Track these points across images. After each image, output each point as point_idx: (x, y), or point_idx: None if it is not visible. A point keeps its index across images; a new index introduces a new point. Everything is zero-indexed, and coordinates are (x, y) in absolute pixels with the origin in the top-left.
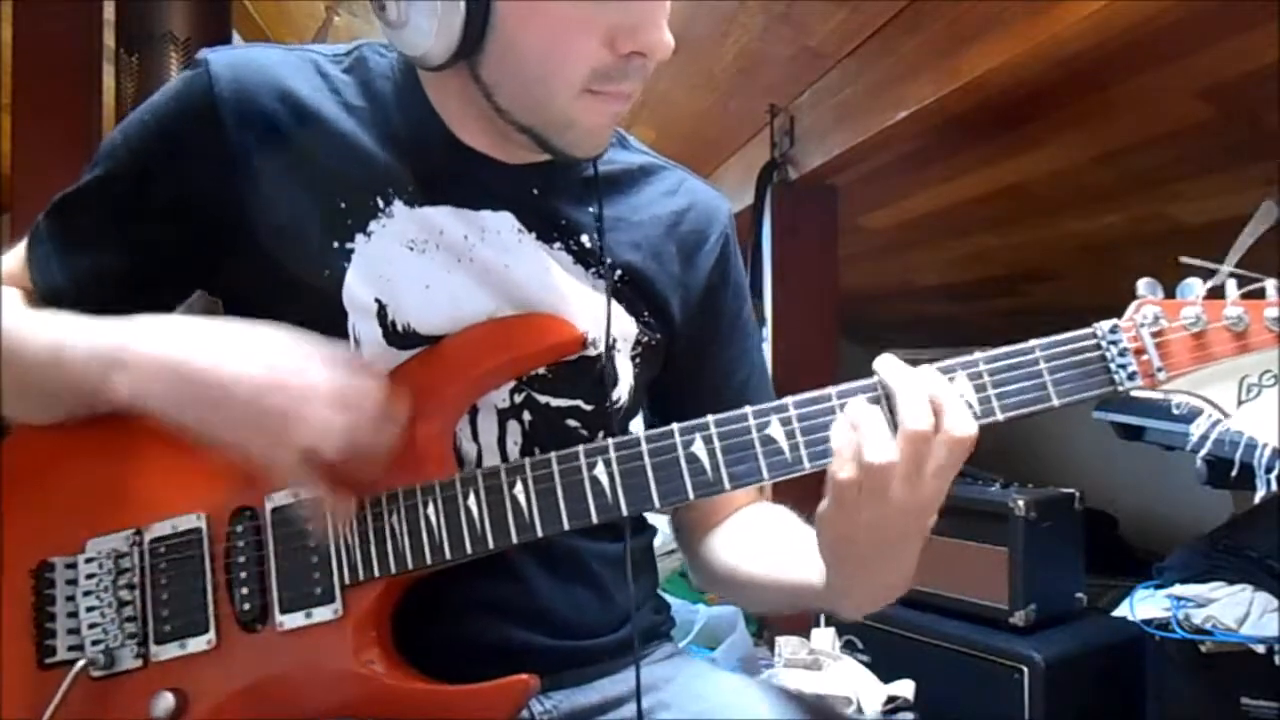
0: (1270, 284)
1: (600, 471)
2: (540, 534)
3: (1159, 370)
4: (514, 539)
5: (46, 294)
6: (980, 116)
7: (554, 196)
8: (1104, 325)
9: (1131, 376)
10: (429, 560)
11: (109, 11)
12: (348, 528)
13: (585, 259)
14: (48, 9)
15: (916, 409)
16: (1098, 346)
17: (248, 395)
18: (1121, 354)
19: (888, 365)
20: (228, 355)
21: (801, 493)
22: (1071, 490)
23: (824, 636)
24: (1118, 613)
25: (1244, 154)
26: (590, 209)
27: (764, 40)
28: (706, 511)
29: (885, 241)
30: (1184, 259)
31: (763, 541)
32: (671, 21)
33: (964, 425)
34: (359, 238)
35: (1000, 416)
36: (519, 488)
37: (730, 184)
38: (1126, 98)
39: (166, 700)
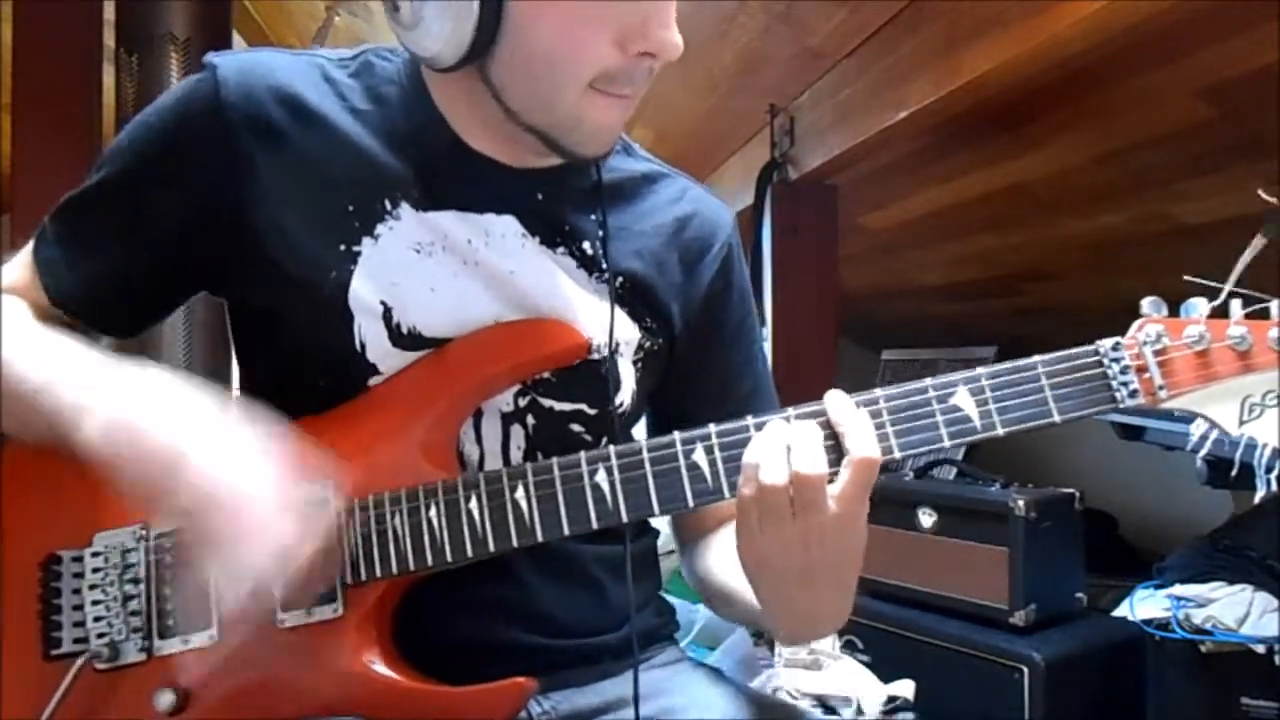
0: (1275, 305)
1: (601, 478)
2: (540, 538)
3: (1161, 389)
4: (514, 543)
5: (57, 298)
6: (980, 116)
7: (558, 202)
8: (1106, 343)
9: (1133, 394)
10: (429, 562)
11: (109, 11)
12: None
13: (587, 265)
14: (48, 9)
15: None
16: (1100, 364)
17: (194, 501)
18: (1124, 371)
19: (829, 397)
20: (193, 448)
21: None
22: (1071, 490)
23: None
24: (1118, 613)
25: (1244, 154)
26: (593, 216)
27: (764, 40)
28: (702, 515)
29: (885, 241)
30: (1188, 277)
31: (731, 553)
32: None
33: (865, 448)
34: (366, 241)
35: (1000, 431)
36: (520, 492)
37: (730, 184)
38: (1126, 98)
39: (169, 694)
